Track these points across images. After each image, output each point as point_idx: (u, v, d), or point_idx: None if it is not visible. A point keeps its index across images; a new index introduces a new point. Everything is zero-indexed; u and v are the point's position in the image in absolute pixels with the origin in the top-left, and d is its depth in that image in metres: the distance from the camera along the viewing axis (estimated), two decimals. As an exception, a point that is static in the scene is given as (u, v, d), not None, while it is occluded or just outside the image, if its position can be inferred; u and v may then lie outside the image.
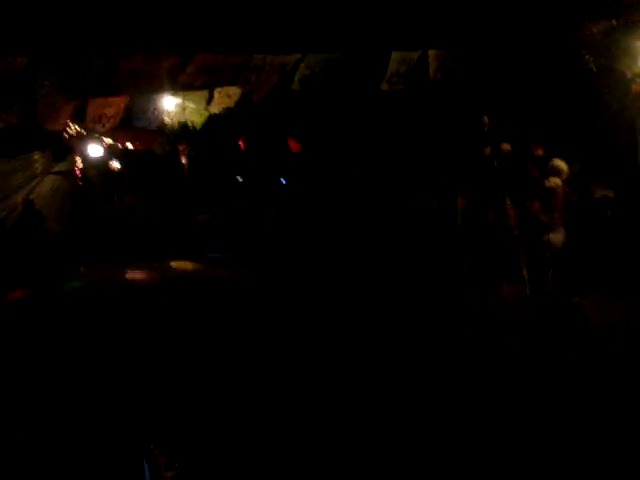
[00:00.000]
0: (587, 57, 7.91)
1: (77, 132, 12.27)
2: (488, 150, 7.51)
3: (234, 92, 10.17)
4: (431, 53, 8.72)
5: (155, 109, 10.80)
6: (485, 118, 7.71)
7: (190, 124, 11.62)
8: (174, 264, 11.78)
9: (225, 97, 10.43)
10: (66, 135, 12.11)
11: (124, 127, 11.89)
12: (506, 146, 7.83)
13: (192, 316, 7.67)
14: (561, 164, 7.54)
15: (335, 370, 5.72)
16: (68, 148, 12.82)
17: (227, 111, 11.60)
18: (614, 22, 7.24)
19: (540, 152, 9.02)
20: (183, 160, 13.77)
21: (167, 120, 11.60)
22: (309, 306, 7.90)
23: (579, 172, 8.87)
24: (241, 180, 13.94)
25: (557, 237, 7.69)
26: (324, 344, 6.40)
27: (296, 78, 8.86)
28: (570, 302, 7.19)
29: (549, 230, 7.68)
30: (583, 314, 6.86)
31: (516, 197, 7.63)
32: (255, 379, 5.60)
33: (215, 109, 10.66)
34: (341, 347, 6.31)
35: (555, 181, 7.35)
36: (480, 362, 5.81)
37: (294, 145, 13.33)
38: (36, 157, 12.70)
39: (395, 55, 8.78)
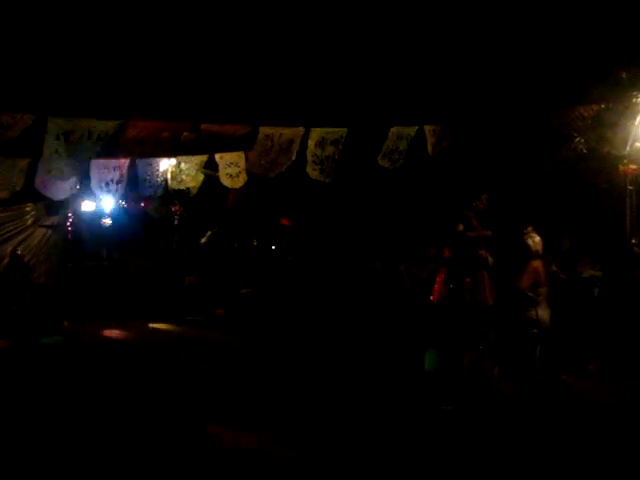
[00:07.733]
0: (578, 139, 8.12)
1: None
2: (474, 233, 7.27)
3: (236, 159, 9.89)
4: (427, 128, 8.73)
5: (157, 175, 10.78)
6: (484, 196, 7.42)
7: (185, 188, 11.58)
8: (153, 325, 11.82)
9: (230, 165, 10.06)
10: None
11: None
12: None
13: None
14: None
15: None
16: (61, 202, 12.85)
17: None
18: (603, 106, 7.45)
19: (529, 230, 9.14)
20: (175, 222, 13.90)
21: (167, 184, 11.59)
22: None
23: (568, 251, 8.99)
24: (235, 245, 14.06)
25: (544, 313, 7.72)
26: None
27: (309, 159, 8.68)
28: (558, 380, 7.09)
29: (536, 305, 7.72)
30: (570, 392, 6.76)
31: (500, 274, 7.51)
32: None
33: (225, 181, 10.19)
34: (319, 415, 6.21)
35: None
36: (461, 438, 5.59)
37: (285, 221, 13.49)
38: (28, 209, 12.73)
39: (393, 130, 8.76)
